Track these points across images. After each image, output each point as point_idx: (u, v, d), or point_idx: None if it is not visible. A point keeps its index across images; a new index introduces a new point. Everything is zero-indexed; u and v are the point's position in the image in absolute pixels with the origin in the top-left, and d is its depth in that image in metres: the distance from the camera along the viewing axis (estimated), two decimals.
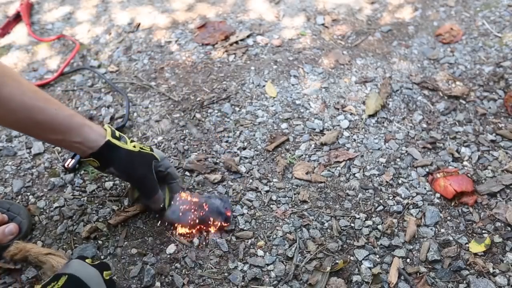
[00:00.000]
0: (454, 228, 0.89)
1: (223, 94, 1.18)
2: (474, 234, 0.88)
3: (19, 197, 0.95)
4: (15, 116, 0.70)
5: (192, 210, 0.87)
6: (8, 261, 0.81)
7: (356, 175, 0.99)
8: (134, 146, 0.81)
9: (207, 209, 0.87)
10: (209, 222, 0.87)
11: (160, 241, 0.87)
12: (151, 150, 0.85)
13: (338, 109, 1.14)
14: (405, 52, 1.31)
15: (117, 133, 0.80)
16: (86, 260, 0.71)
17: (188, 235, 0.88)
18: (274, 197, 0.95)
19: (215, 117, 1.12)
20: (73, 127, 0.74)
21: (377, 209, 0.93)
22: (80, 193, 0.96)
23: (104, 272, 0.70)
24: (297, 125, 1.10)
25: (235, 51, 1.31)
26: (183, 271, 0.83)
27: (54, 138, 0.75)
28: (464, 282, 0.80)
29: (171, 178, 0.89)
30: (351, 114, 1.13)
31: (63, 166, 0.99)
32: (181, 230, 0.87)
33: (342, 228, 0.89)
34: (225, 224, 0.88)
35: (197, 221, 0.86)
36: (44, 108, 0.72)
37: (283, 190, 0.96)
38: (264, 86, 1.20)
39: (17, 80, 0.70)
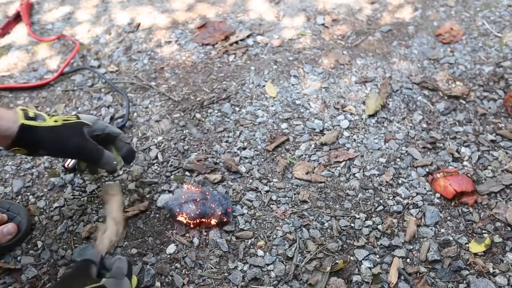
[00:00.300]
0: (454, 228, 0.89)
1: (223, 94, 1.18)
2: (474, 234, 0.88)
3: (19, 197, 0.95)
4: None
5: (194, 200, 0.87)
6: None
7: (356, 175, 0.99)
8: (56, 121, 0.74)
9: (208, 198, 0.88)
10: (210, 213, 0.87)
11: (160, 241, 0.87)
12: (78, 118, 0.78)
13: (338, 109, 1.14)
14: (405, 52, 1.31)
15: (31, 113, 0.73)
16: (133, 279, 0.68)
17: (188, 225, 0.88)
18: (274, 197, 0.95)
19: (215, 117, 1.12)
20: None
21: (377, 209, 0.93)
22: (80, 193, 0.96)
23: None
24: (297, 125, 1.10)
25: (235, 51, 1.31)
26: (183, 271, 0.83)
27: None
28: (464, 282, 0.80)
29: (112, 136, 0.83)
30: (351, 114, 1.13)
31: (63, 166, 0.99)
32: (181, 218, 0.87)
33: (342, 228, 0.89)
34: (225, 219, 0.88)
35: (198, 211, 0.86)
36: None
37: (283, 190, 0.96)
38: (264, 86, 1.20)
39: None
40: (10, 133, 0.69)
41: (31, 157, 0.78)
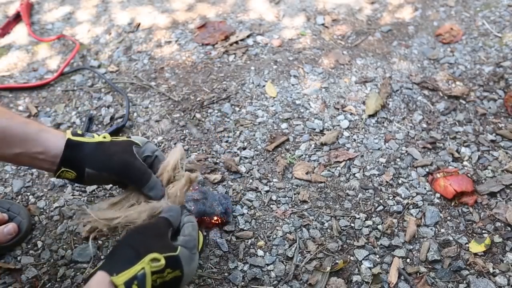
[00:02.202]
0: (454, 228, 0.89)
1: (223, 94, 1.18)
2: (474, 234, 0.88)
3: (19, 197, 0.95)
4: None
5: (194, 200, 0.86)
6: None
7: (356, 175, 0.99)
8: (105, 137, 0.71)
9: (208, 198, 0.87)
10: (210, 213, 0.87)
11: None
12: (128, 137, 0.75)
13: (338, 109, 1.14)
14: (405, 52, 1.31)
15: (79, 131, 0.70)
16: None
17: None
18: (274, 197, 0.95)
19: (215, 117, 1.12)
20: (29, 134, 0.65)
21: (377, 209, 0.93)
22: (80, 193, 0.96)
23: None
24: (297, 125, 1.10)
25: (235, 51, 1.31)
26: None
27: (13, 152, 0.65)
28: (464, 282, 0.80)
29: (160, 160, 0.77)
30: (351, 114, 1.13)
31: None
32: None
33: (342, 228, 0.89)
34: (225, 219, 0.88)
35: (198, 211, 0.86)
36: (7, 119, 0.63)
37: (283, 190, 0.96)
38: (264, 86, 1.20)
39: None
40: (58, 150, 0.66)
41: (81, 185, 0.74)
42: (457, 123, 1.10)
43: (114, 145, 0.70)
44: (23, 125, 0.66)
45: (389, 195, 0.95)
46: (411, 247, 0.86)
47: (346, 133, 1.08)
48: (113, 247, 0.65)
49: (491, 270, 0.82)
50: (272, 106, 1.15)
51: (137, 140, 0.74)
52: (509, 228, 0.88)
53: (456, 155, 1.02)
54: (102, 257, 0.85)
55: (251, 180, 0.98)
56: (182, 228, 0.66)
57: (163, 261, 0.57)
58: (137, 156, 0.72)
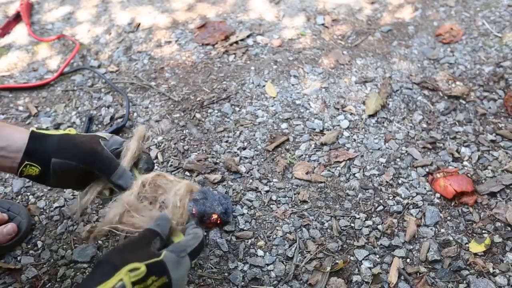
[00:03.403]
0: (454, 228, 0.89)
1: (223, 94, 1.18)
2: (474, 234, 0.88)
3: (19, 197, 0.95)
4: None
5: (193, 199, 0.86)
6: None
7: (356, 175, 0.99)
8: (70, 131, 0.68)
9: (208, 198, 0.86)
10: (210, 213, 0.86)
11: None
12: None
13: (338, 109, 1.14)
14: (405, 52, 1.31)
15: (45, 127, 0.71)
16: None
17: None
18: (274, 197, 0.95)
19: (215, 117, 1.12)
20: None
21: (377, 209, 0.93)
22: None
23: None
24: (297, 125, 1.10)
25: (235, 51, 1.31)
26: None
27: None
28: (464, 282, 0.80)
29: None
30: (351, 114, 1.13)
31: None
32: None
33: (342, 228, 0.89)
34: (224, 219, 0.87)
35: (197, 211, 0.85)
36: None
37: (283, 190, 0.96)
38: (264, 86, 1.20)
39: None
40: (21, 143, 0.63)
41: (47, 185, 0.69)
42: (457, 123, 1.10)
43: (80, 136, 0.68)
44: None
45: (389, 195, 0.95)
46: (411, 247, 0.86)
47: (346, 133, 1.08)
48: (92, 267, 0.61)
49: (491, 270, 0.82)
50: (272, 106, 1.15)
51: (103, 135, 0.71)
52: (509, 228, 0.88)
53: (456, 155, 1.02)
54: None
55: (251, 180, 0.98)
56: (185, 238, 0.63)
57: (143, 268, 0.52)
58: (104, 147, 0.69)
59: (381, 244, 0.86)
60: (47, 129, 0.69)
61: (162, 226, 0.62)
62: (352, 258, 0.84)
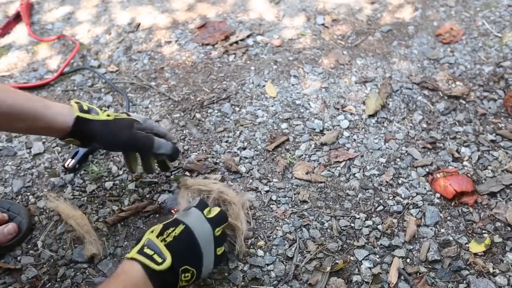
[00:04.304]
0: (454, 228, 0.89)
1: (223, 94, 1.18)
2: (474, 234, 0.88)
3: (19, 197, 0.95)
4: None
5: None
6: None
7: (356, 175, 0.99)
8: (108, 115, 0.79)
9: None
10: None
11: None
12: (128, 115, 0.83)
13: (338, 109, 1.14)
14: (405, 52, 1.31)
15: (86, 106, 0.77)
16: (205, 211, 0.73)
17: None
18: (274, 197, 0.95)
19: (215, 117, 1.12)
20: (36, 112, 0.71)
21: (377, 209, 0.93)
22: (80, 193, 0.96)
23: (216, 229, 0.72)
24: (297, 125, 1.10)
25: (235, 51, 1.31)
26: None
27: (21, 127, 0.74)
28: (464, 282, 0.80)
29: (159, 135, 0.87)
30: (351, 114, 1.13)
31: (63, 166, 0.99)
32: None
33: (342, 228, 0.89)
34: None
35: None
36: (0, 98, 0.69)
37: (283, 190, 0.96)
38: (264, 86, 1.20)
39: None
40: (66, 125, 0.74)
41: (86, 147, 0.85)
42: (457, 123, 1.10)
43: (118, 123, 0.79)
44: (28, 102, 0.71)
45: (389, 195, 0.95)
46: (411, 247, 0.86)
47: (346, 133, 1.08)
48: None
49: (491, 270, 0.82)
50: (272, 106, 1.15)
51: (137, 118, 0.83)
52: (509, 228, 0.88)
53: (456, 155, 1.02)
54: (102, 257, 0.85)
55: (251, 180, 0.98)
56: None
57: (158, 226, 0.68)
58: (138, 131, 0.80)
59: (381, 244, 0.86)
60: (88, 111, 0.76)
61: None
62: (352, 258, 0.84)
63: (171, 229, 0.68)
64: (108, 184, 0.97)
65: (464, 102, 1.16)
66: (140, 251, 0.63)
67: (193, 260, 0.68)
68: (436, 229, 0.89)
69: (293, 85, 1.21)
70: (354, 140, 1.07)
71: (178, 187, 0.88)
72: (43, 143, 1.06)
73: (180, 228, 0.68)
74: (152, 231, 0.67)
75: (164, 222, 0.69)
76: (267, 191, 0.96)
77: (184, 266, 0.66)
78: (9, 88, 0.72)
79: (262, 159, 1.02)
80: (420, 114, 1.12)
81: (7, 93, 0.70)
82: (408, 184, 0.97)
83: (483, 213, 0.91)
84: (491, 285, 0.79)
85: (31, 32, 1.38)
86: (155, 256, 0.63)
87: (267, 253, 0.85)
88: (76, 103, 0.77)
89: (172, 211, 0.89)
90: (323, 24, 1.41)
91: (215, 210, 0.75)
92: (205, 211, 0.73)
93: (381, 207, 0.93)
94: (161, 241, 0.65)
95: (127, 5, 1.51)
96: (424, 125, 1.10)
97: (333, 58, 1.29)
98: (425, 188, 0.96)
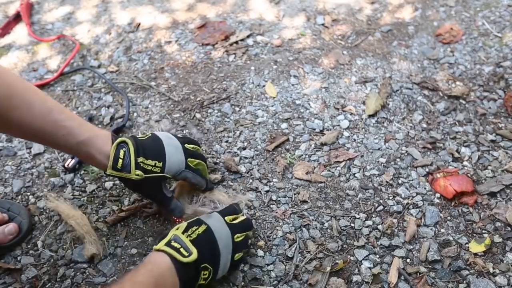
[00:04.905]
0: (454, 228, 0.89)
1: (223, 94, 1.18)
2: (474, 234, 0.88)
3: (19, 197, 0.95)
4: (28, 137, 0.80)
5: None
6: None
7: (356, 175, 0.99)
8: (138, 175, 0.77)
9: None
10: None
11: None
12: (162, 168, 0.80)
13: (338, 109, 1.14)
14: (405, 52, 1.31)
15: (120, 163, 0.76)
16: (226, 217, 0.79)
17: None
18: (274, 197, 0.95)
19: (215, 117, 1.12)
20: (85, 141, 0.75)
21: (377, 209, 0.93)
22: (80, 193, 0.96)
23: (236, 235, 0.77)
24: (297, 125, 1.10)
25: (235, 51, 1.31)
26: None
27: (71, 150, 0.79)
28: (464, 282, 0.80)
29: (193, 183, 0.88)
30: (351, 114, 1.13)
31: (63, 166, 0.99)
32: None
33: (342, 228, 0.89)
34: None
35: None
36: (53, 133, 0.73)
37: (283, 190, 0.96)
38: (264, 86, 1.20)
39: (27, 100, 0.70)
40: (105, 163, 0.77)
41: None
42: (457, 123, 1.10)
43: (145, 185, 0.81)
44: (82, 128, 0.75)
45: (389, 195, 0.95)
46: (411, 247, 0.86)
47: (346, 133, 1.08)
48: None
49: (491, 270, 0.82)
50: (272, 106, 1.15)
51: (170, 172, 0.82)
52: (509, 228, 0.88)
53: (456, 155, 1.02)
54: (102, 257, 0.85)
55: (251, 180, 0.98)
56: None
57: (183, 223, 0.74)
58: (163, 190, 0.83)
59: (381, 244, 0.86)
60: (121, 168, 0.78)
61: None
62: (352, 258, 0.84)
63: (195, 227, 0.73)
64: (108, 184, 0.97)
65: (464, 102, 1.16)
66: (168, 244, 0.69)
67: (212, 259, 0.72)
68: (436, 229, 0.89)
69: (293, 85, 1.21)
70: (354, 140, 1.07)
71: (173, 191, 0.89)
72: None
73: (203, 227, 0.74)
74: (177, 229, 0.73)
75: (188, 221, 0.75)
76: (267, 191, 0.96)
77: (205, 264, 0.70)
78: (66, 111, 0.76)
79: (262, 159, 1.02)
80: (420, 114, 1.12)
81: (65, 114, 0.74)
82: (408, 184, 0.97)
83: (483, 213, 0.91)
84: (491, 285, 0.79)
85: (31, 32, 1.38)
86: (182, 250, 0.68)
87: (267, 253, 0.85)
88: (116, 148, 0.77)
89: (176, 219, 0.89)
90: (323, 24, 1.41)
91: (239, 218, 0.81)
92: (227, 218, 0.79)
93: (381, 207, 0.93)
94: (187, 237, 0.71)
95: (127, 5, 1.51)
96: (424, 125, 1.10)
97: (333, 58, 1.29)
98: (425, 188, 0.96)
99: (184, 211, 0.88)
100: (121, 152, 0.77)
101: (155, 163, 0.80)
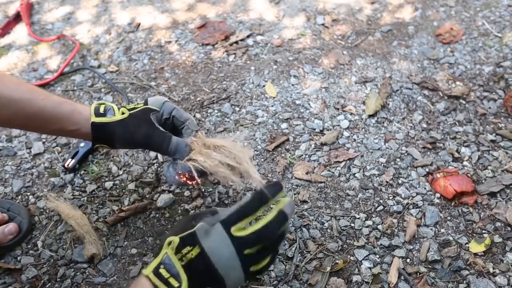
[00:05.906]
0: (454, 228, 0.89)
1: (223, 94, 1.18)
2: (474, 234, 0.88)
3: (19, 197, 0.95)
4: (6, 112, 0.70)
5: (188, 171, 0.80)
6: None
7: (356, 175, 0.99)
8: (123, 113, 0.76)
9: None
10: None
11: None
12: (145, 103, 0.79)
13: (338, 109, 1.14)
14: (405, 52, 1.31)
15: (102, 108, 0.75)
16: (234, 227, 0.58)
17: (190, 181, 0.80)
18: None
19: (215, 117, 1.12)
20: (63, 115, 0.73)
21: (377, 209, 0.93)
22: (80, 193, 0.96)
23: (246, 250, 0.58)
24: (297, 125, 1.10)
25: (235, 51, 1.31)
26: None
27: (53, 128, 0.74)
28: (464, 282, 0.80)
29: (180, 121, 0.81)
30: (351, 114, 1.13)
31: (63, 166, 0.99)
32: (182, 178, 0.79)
33: (342, 228, 0.89)
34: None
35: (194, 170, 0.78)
36: (31, 99, 0.70)
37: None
38: (264, 86, 1.20)
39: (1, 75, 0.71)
40: (89, 131, 0.74)
41: (115, 149, 0.85)
42: (457, 123, 1.10)
43: (133, 119, 0.76)
44: (57, 106, 0.73)
45: (389, 195, 0.95)
46: (411, 247, 0.86)
47: (346, 133, 1.08)
48: None
49: (491, 270, 0.82)
50: (272, 106, 1.15)
51: (153, 105, 0.78)
52: (509, 228, 0.88)
53: (456, 155, 1.02)
54: (102, 257, 0.85)
55: (251, 180, 0.98)
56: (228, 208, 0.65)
57: (176, 240, 0.59)
58: (156, 123, 0.76)
59: (381, 244, 0.86)
60: (104, 114, 0.75)
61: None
62: (352, 258, 0.85)
63: (188, 248, 0.59)
64: (108, 184, 0.97)
65: (464, 102, 1.16)
66: (156, 272, 0.58)
67: (212, 283, 0.60)
68: (436, 229, 0.89)
69: (293, 85, 1.21)
70: (354, 140, 1.07)
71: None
72: (43, 143, 1.06)
73: (196, 251, 0.58)
74: (169, 243, 0.59)
75: (181, 235, 0.59)
76: None
77: None
78: (43, 92, 0.74)
79: (262, 159, 1.02)
80: (420, 114, 1.12)
81: (40, 95, 0.72)
82: (408, 184, 0.97)
83: (483, 213, 0.91)
84: (491, 285, 0.79)
85: (31, 32, 1.38)
86: (171, 280, 0.57)
87: None
88: (95, 106, 0.75)
89: (181, 178, 0.79)
90: (323, 24, 1.41)
91: (255, 226, 0.59)
92: (234, 228, 0.59)
93: (381, 207, 0.93)
94: (179, 259, 0.58)
95: (127, 5, 1.51)
96: (424, 125, 1.10)
97: (333, 58, 1.29)
98: (425, 188, 0.96)
99: (189, 148, 0.77)
100: (102, 107, 0.76)
101: (137, 103, 0.79)
